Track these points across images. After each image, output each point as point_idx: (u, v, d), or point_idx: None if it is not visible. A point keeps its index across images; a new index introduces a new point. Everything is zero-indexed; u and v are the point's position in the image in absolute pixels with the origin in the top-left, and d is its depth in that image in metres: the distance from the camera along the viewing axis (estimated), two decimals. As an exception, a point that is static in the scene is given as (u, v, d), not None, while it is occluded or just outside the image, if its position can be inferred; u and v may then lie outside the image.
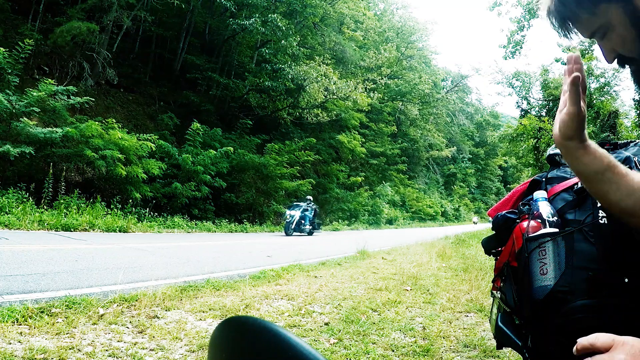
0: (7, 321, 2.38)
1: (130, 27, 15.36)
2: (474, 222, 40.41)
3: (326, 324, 2.99)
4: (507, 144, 22.33)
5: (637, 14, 0.65)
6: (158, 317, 2.84)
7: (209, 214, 13.59)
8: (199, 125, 13.77)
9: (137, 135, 11.35)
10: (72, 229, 8.11)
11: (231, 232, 12.79)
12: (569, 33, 0.74)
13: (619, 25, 0.66)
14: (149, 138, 11.41)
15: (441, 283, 4.97)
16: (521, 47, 17.39)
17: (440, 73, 48.78)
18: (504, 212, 1.02)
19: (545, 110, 22.93)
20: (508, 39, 17.46)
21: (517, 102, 24.23)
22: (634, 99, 16.06)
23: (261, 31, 16.41)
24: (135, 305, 3.00)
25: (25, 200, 8.46)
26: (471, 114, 60.23)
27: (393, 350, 2.53)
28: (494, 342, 2.03)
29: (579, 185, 0.87)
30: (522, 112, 23.60)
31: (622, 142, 1.05)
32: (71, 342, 2.21)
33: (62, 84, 10.79)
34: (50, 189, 9.05)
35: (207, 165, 13.12)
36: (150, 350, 2.27)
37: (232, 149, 13.99)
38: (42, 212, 8.38)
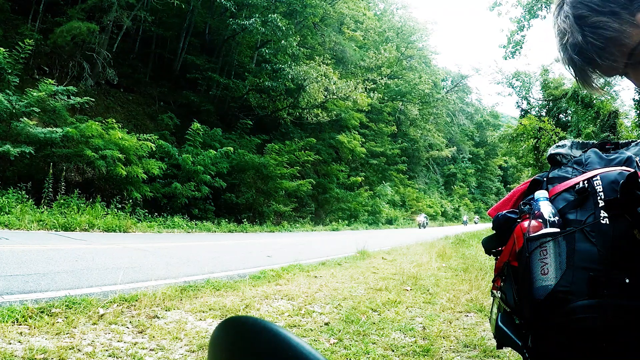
0: (7, 321, 2.37)
1: (130, 27, 15.37)
2: (419, 225, 28.83)
3: (326, 324, 2.99)
4: (507, 144, 22.35)
5: None
6: (158, 317, 2.84)
7: (209, 214, 13.59)
8: (199, 125, 13.77)
9: (137, 135, 11.36)
10: (72, 229, 8.12)
11: (231, 232, 12.78)
12: (592, 75, 0.68)
13: None
14: (149, 138, 11.41)
15: (441, 283, 4.97)
16: (521, 47, 17.41)
17: (440, 73, 48.82)
18: (504, 211, 1.02)
19: (545, 110, 22.97)
20: (508, 39, 17.48)
21: (517, 102, 24.29)
22: (634, 99, 16.07)
23: (261, 31, 16.41)
24: (135, 305, 3.00)
25: (25, 200, 8.47)
26: (471, 114, 60.25)
27: (393, 350, 2.53)
28: (494, 342, 2.03)
29: (581, 185, 0.87)
30: (522, 112, 23.64)
31: (623, 141, 1.05)
32: (71, 342, 2.21)
33: (62, 84, 10.79)
34: (50, 189, 9.05)
35: (207, 165, 13.13)
36: (150, 350, 2.27)
37: (232, 149, 14.00)
38: (42, 212, 8.37)
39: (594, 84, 0.69)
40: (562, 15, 0.67)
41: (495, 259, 1.08)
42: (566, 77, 22.18)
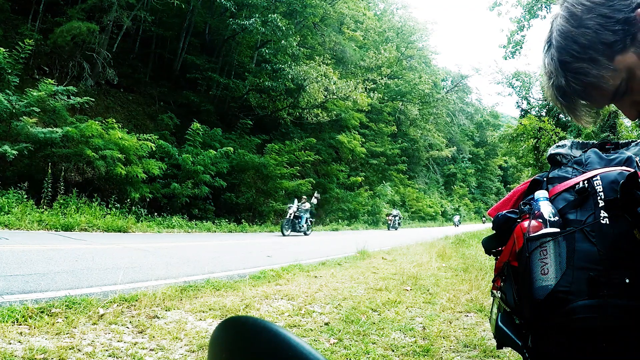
0: (7, 321, 2.38)
1: (130, 27, 15.36)
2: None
3: (326, 324, 2.99)
4: (507, 144, 22.35)
5: None
6: (158, 317, 2.84)
7: (208, 214, 13.59)
8: (199, 125, 13.78)
9: (137, 135, 11.36)
10: (71, 229, 8.12)
11: (231, 232, 12.79)
12: (579, 112, 0.73)
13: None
14: (149, 138, 11.41)
15: (441, 283, 4.97)
16: (521, 47, 17.40)
17: (440, 73, 48.80)
18: (504, 211, 1.02)
19: (545, 110, 22.96)
20: (508, 39, 17.47)
21: (517, 102, 24.30)
22: (634, 99, 16.03)
23: (261, 31, 16.41)
24: (135, 305, 3.00)
25: (25, 200, 8.47)
26: (471, 114, 60.22)
27: (393, 350, 2.53)
28: (494, 342, 2.03)
29: (581, 185, 0.87)
30: (522, 112, 23.64)
31: (623, 141, 1.05)
32: (71, 342, 2.21)
33: (62, 84, 10.79)
34: (50, 189, 9.06)
35: (207, 165, 13.13)
36: (150, 350, 2.27)
37: (232, 149, 14.00)
38: (41, 212, 8.38)
39: (582, 119, 0.74)
40: (549, 56, 0.71)
41: (495, 259, 1.08)
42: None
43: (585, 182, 0.86)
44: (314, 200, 14.85)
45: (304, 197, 14.18)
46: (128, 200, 10.61)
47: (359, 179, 24.93)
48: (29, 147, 8.87)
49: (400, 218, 24.23)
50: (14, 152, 8.49)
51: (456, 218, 35.97)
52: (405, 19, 38.59)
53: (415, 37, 37.91)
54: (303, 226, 12.81)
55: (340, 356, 2.37)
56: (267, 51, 18.35)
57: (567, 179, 0.94)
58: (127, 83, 15.42)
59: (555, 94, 0.72)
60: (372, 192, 28.01)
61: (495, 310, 1.15)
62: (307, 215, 13.24)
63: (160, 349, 2.28)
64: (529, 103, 23.84)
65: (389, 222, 22.75)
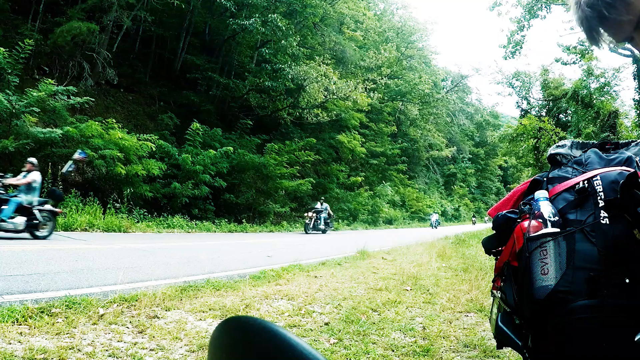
0: (7, 321, 2.38)
1: (130, 27, 15.37)
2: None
3: (326, 324, 2.98)
4: (507, 144, 22.35)
5: None
6: (158, 317, 2.84)
7: (208, 214, 13.59)
8: (199, 125, 13.77)
9: (137, 135, 11.36)
10: (71, 229, 8.12)
11: (231, 232, 12.79)
12: (601, 38, 0.75)
13: None
14: (149, 138, 11.42)
15: (441, 283, 4.97)
16: (521, 47, 17.42)
17: (440, 73, 48.74)
18: (504, 211, 1.02)
19: (545, 110, 22.96)
20: (508, 39, 17.47)
21: (517, 102, 24.29)
22: (634, 99, 16.08)
23: (261, 31, 16.41)
24: (135, 305, 3.00)
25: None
26: (471, 114, 60.17)
27: (393, 350, 2.52)
28: (494, 342, 2.03)
29: (581, 185, 0.87)
30: (522, 112, 23.64)
31: (623, 142, 1.05)
32: (71, 342, 2.21)
33: (62, 84, 10.79)
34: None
35: (207, 165, 13.13)
36: (150, 350, 2.27)
37: (232, 149, 14.00)
38: (42, 212, 8.36)
39: (601, 41, 0.75)
40: None
41: (495, 259, 1.08)
42: (566, 77, 22.21)
43: (585, 182, 0.86)
44: (67, 168, 7.65)
45: (30, 163, 6.86)
46: (130, 200, 10.62)
47: (359, 179, 24.92)
48: (30, 143, 8.88)
49: (331, 216, 16.57)
50: (13, 145, 8.50)
51: (433, 217, 29.74)
52: (405, 19, 38.59)
53: (415, 37, 37.88)
54: (11, 222, 6.27)
55: (340, 356, 2.37)
56: (267, 51, 18.35)
57: (567, 179, 0.94)
58: (127, 83, 15.42)
59: (582, 9, 0.73)
60: (372, 192, 28.00)
61: (495, 310, 1.15)
62: (34, 197, 6.71)
63: (160, 349, 2.28)
64: (529, 103, 23.85)
65: (307, 221, 14.86)
